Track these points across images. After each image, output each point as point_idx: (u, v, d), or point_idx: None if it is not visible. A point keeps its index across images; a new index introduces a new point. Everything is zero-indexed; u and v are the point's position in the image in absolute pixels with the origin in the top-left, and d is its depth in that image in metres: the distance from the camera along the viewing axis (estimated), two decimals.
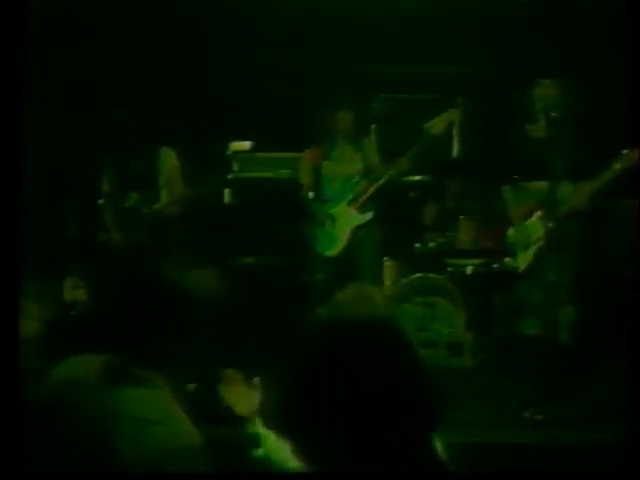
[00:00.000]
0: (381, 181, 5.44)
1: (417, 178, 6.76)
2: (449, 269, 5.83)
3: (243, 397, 2.14)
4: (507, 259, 5.35)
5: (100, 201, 5.62)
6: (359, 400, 1.32)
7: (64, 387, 1.93)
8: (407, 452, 1.33)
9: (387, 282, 5.95)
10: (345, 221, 5.48)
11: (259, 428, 1.80)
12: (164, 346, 1.91)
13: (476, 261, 5.81)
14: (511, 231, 5.03)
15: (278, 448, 1.72)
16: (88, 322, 4.87)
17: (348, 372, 1.33)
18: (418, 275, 5.67)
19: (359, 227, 5.50)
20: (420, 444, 1.36)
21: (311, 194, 5.47)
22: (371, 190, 5.47)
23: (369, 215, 5.52)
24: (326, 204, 5.53)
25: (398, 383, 1.34)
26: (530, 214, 4.88)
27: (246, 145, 6.88)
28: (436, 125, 5.33)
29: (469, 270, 5.79)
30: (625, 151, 4.52)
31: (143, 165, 5.53)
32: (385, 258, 5.98)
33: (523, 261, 4.90)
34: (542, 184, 4.64)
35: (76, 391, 1.90)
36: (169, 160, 5.59)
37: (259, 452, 1.65)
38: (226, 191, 6.87)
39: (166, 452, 1.83)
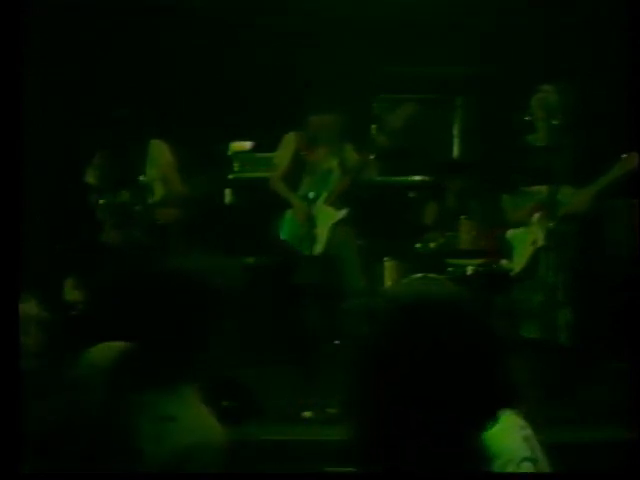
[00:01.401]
0: (351, 177, 5.44)
1: (417, 178, 6.76)
2: (449, 269, 5.82)
3: None
4: (503, 261, 5.34)
5: (101, 201, 5.59)
6: (434, 385, 1.24)
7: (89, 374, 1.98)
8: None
9: (387, 282, 5.95)
10: (323, 219, 5.42)
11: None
12: (191, 345, 1.90)
13: (476, 261, 5.80)
14: (509, 233, 5.02)
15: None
16: (90, 322, 4.87)
17: (423, 353, 1.24)
18: (418, 275, 5.65)
19: (336, 224, 5.45)
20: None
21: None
22: (344, 184, 5.45)
23: (344, 212, 5.49)
24: (305, 201, 5.44)
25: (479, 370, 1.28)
26: (530, 216, 4.88)
27: (246, 145, 6.87)
28: (393, 121, 5.38)
29: (469, 270, 5.78)
30: (625, 155, 4.52)
31: (134, 159, 5.43)
32: (385, 258, 5.97)
33: (518, 264, 4.90)
34: (542, 186, 4.64)
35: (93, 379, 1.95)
36: (162, 154, 5.43)
37: None
38: (226, 191, 6.87)
39: (188, 449, 1.81)
